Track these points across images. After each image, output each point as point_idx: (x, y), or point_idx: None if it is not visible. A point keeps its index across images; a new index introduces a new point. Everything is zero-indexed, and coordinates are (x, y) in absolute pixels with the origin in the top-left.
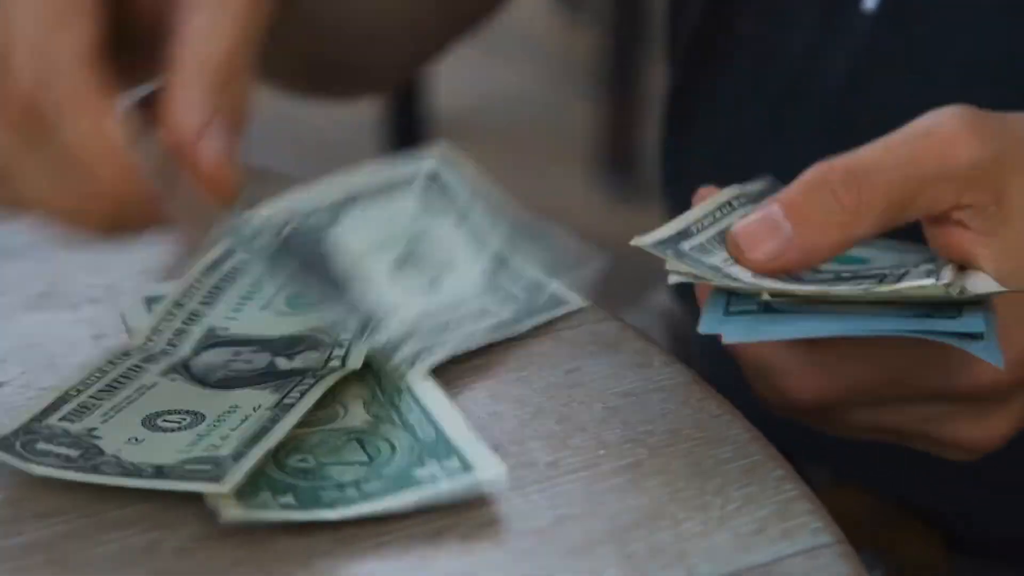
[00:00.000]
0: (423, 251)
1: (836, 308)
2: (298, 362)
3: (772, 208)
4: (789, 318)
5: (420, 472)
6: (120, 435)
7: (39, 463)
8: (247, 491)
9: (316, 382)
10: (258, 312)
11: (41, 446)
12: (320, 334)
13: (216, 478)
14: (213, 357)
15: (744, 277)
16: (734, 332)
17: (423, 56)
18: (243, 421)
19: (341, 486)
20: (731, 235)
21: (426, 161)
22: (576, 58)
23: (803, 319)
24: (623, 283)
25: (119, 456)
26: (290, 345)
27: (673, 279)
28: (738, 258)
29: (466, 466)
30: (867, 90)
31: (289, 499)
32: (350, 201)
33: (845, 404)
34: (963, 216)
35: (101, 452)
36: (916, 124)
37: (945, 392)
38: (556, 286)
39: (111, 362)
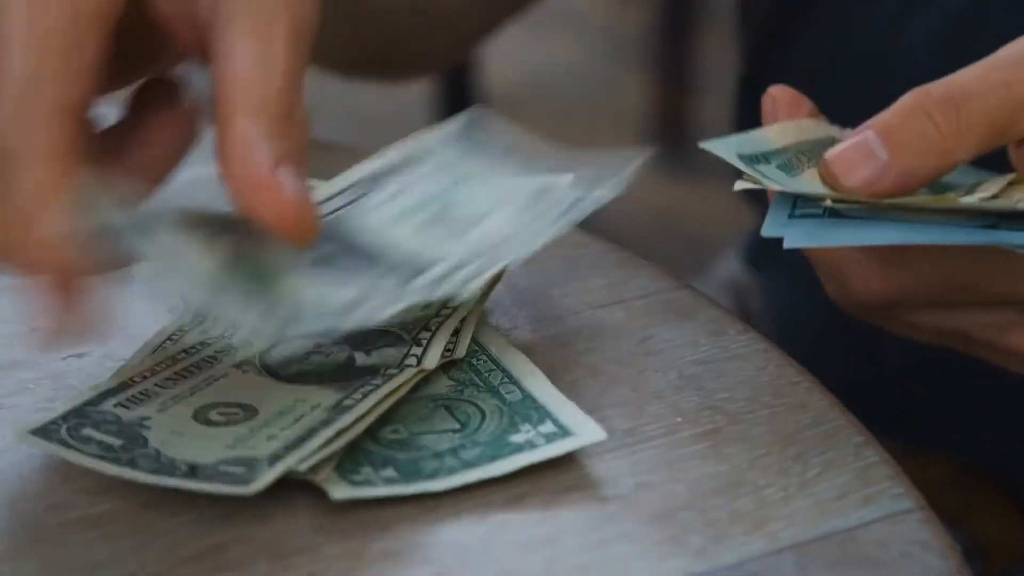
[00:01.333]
0: (453, 211)
1: (902, 216)
2: (375, 358)
3: (867, 134)
4: (853, 224)
5: (516, 437)
6: (169, 427)
7: (80, 450)
8: (348, 467)
9: (381, 383)
10: None
11: (86, 431)
12: (402, 331)
13: (245, 481)
14: (292, 349)
15: (810, 182)
16: (796, 236)
17: (473, 38)
18: (296, 421)
19: (439, 455)
20: (825, 162)
21: (454, 125)
22: (627, 32)
23: (867, 226)
24: (685, 255)
25: (160, 449)
26: (371, 339)
27: (739, 186)
28: (833, 185)
29: (564, 431)
30: (952, 64)
31: (391, 472)
32: (374, 178)
33: (909, 305)
34: None
35: (145, 443)
36: (1007, 49)
37: (1013, 299)
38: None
39: (186, 351)
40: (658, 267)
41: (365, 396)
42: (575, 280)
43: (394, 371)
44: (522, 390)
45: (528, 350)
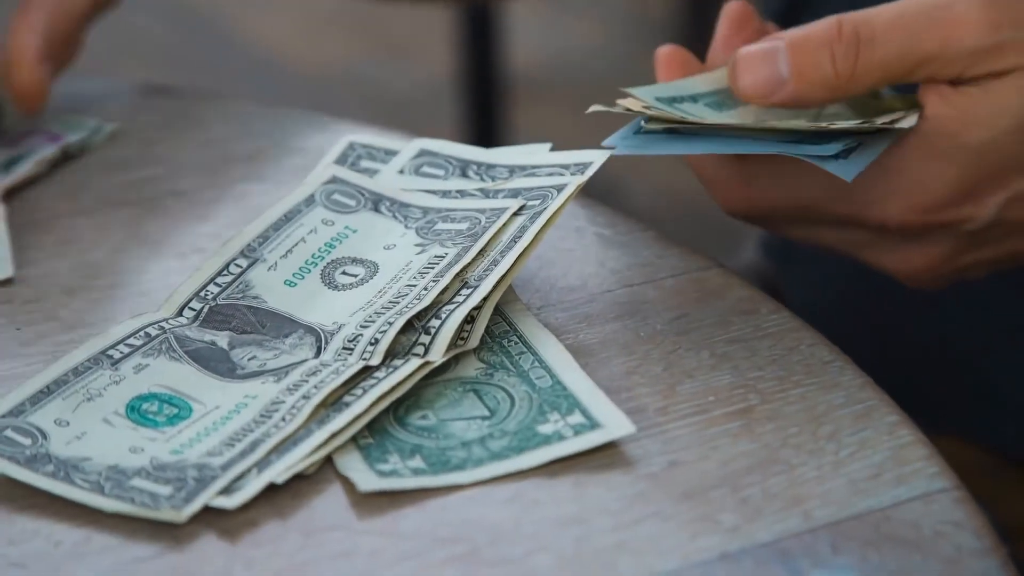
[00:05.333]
0: (346, 253)
1: (729, 132)
2: (383, 344)
3: (779, 45)
4: (677, 139)
5: (544, 428)
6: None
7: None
8: (375, 455)
9: (384, 376)
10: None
11: (9, 433)
12: (415, 318)
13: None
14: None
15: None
16: (625, 146)
17: None
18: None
19: (467, 444)
20: (735, 57)
21: (321, 172)
22: (650, 13)
23: (686, 141)
24: (707, 238)
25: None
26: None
27: (592, 109)
28: (731, 83)
29: (593, 423)
30: None
31: (418, 462)
32: (258, 243)
33: (775, 219)
34: (960, 83)
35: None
36: None
37: (858, 222)
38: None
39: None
40: (689, 246)
41: (366, 391)
42: (606, 259)
43: (399, 362)
44: (552, 376)
45: (559, 328)
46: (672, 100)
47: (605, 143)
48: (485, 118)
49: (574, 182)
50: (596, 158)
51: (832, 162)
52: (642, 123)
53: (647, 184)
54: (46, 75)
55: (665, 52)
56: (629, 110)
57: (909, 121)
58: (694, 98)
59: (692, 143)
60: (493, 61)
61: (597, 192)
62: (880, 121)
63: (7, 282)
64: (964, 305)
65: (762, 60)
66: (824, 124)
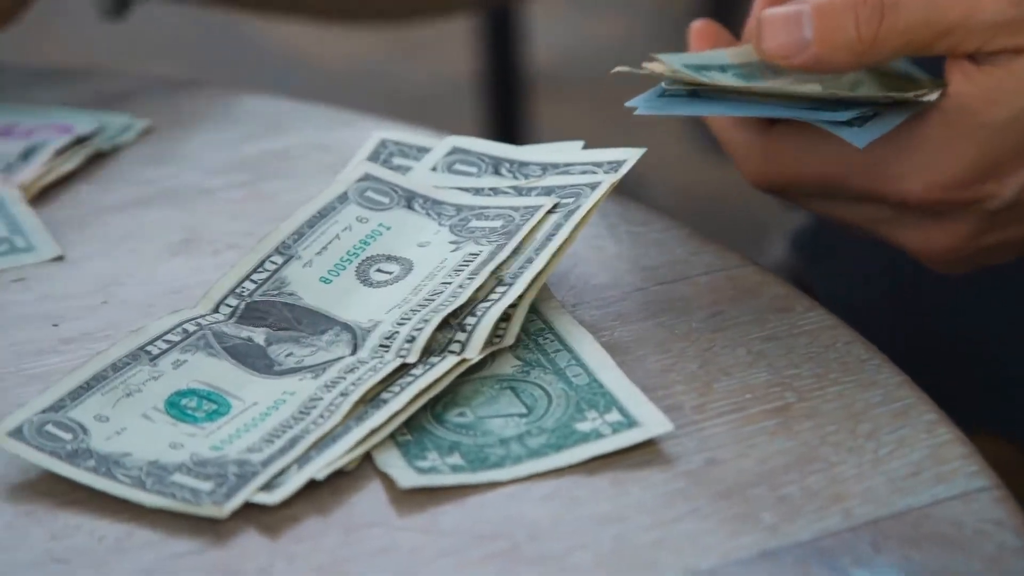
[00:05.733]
0: (381, 250)
1: (758, 100)
2: (420, 340)
3: (804, 8)
4: (700, 101)
5: (582, 425)
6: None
7: (38, 448)
8: (414, 452)
9: (421, 373)
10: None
11: (50, 428)
12: (450, 315)
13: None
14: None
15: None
16: (647, 107)
17: None
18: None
19: (505, 442)
20: (759, 19)
21: (354, 170)
22: (672, 8)
23: (710, 103)
24: (733, 236)
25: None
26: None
27: (617, 70)
28: (754, 43)
29: (630, 421)
30: None
31: (456, 459)
32: (293, 240)
33: (795, 192)
34: (982, 57)
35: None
36: None
37: (878, 198)
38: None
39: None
40: (722, 244)
41: (404, 389)
42: (640, 257)
43: (436, 359)
44: (589, 373)
45: (594, 326)
46: (699, 68)
47: (628, 104)
48: (507, 116)
49: (608, 180)
50: (629, 156)
51: (845, 128)
52: (664, 86)
53: (665, 182)
54: None
55: (698, 26)
56: (654, 73)
57: (930, 96)
58: (722, 68)
59: (711, 105)
60: (514, 59)
61: (628, 190)
62: (901, 94)
63: (59, 259)
64: (975, 298)
65: (786, 22)
66: (844, 93)
